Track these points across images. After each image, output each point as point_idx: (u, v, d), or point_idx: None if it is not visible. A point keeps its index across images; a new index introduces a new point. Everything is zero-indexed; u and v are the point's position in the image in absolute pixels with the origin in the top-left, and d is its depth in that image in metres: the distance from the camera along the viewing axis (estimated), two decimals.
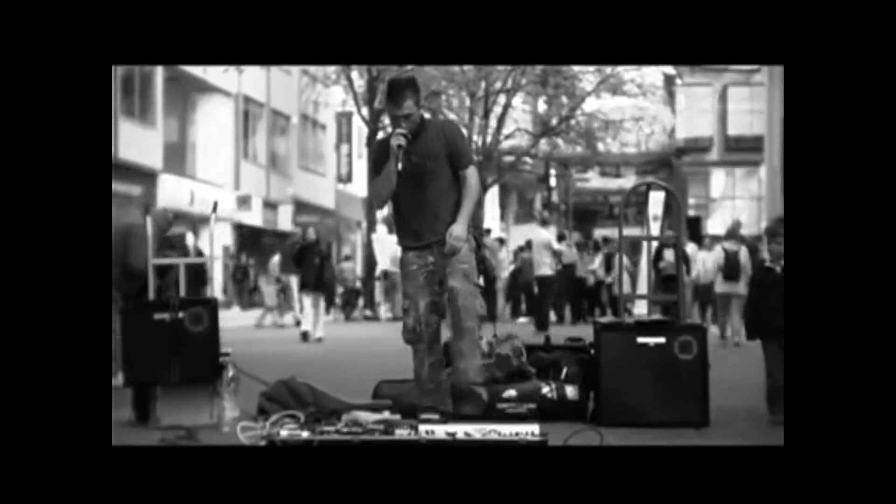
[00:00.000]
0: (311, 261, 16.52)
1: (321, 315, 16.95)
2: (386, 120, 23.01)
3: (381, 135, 23.68)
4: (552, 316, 21.77)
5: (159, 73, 28.46)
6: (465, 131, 25.93)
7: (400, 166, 5.78)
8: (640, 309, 11.70)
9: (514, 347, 6.70)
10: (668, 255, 15.35)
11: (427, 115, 6.10)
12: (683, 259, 8.19)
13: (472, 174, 5.96)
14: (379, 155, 5.99)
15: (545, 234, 18.28)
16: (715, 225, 34.55)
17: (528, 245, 20.42)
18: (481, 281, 5.96)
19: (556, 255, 18.11)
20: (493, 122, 25.28)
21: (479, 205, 25.11)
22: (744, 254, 14.57)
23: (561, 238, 22.51)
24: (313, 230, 17.25)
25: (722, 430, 6.05)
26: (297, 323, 18.67)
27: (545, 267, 17.72)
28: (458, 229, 5.79)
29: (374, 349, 13.86)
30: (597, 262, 22.53)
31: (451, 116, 26.04)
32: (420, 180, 5.90)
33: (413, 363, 6.03)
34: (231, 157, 33.85)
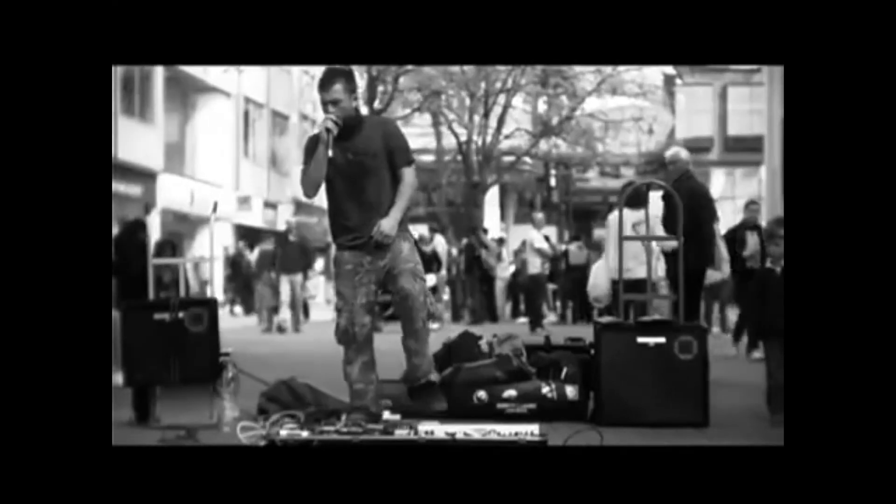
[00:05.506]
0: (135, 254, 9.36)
1: None
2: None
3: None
4: (553, 316, 21.89)
5: (159, 73, 28.40)
6: (463, 130, 26.04)
7: (331, 153, 5.66)
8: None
9: (514, 347, 6.70)
10: (752, 242, 12.38)
11: (363, 113, 6.01)
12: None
13: (409, 173, 5.87)
14: (309, 146, 5.86)
15: (532, 235, 18.91)
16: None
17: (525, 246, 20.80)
18: (429, 279, 5.96)
19: (540, 254, 18.56)
20: (493, 122, 25.27)
21: (478, 206, 25.26)
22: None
23: (575, 239, 23.08)
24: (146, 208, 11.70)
25: (722, 430, 6.05)
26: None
27: (533, 266, 18.51)
28: (387, 224, 5.74)
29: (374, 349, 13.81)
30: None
31: (451, 116, 26.01)
32: (358, 178, 5.79)
33: (342, 363, 6.01)
34: (231, 157, 33.81)
